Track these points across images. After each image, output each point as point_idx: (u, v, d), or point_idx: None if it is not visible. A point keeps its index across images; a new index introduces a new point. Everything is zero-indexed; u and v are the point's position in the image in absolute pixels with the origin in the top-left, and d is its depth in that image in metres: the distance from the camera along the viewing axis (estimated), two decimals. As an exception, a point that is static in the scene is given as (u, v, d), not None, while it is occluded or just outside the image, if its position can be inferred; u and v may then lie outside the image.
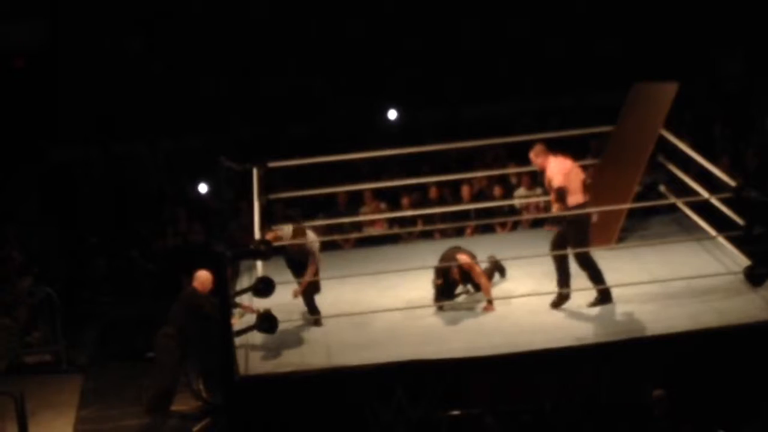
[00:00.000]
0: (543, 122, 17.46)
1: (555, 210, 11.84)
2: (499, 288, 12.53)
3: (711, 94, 18.66)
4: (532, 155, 12.01)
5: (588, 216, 11.82)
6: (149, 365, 12.26)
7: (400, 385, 10.53)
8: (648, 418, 10.18)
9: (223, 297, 11.09)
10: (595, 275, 11.85)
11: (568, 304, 11.82)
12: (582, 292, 11.88)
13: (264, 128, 18.33)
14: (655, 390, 10.23)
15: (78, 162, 18.14)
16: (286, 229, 12.06)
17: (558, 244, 11.95)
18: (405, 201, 15.47)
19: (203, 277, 12.17)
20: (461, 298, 12.44)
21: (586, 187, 11.91)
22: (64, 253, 16.23)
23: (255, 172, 13.44)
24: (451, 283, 12.32)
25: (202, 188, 16.68)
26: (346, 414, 10.57)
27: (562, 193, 11.72)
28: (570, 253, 11.81)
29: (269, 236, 11.80)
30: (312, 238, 12.07)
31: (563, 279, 11.92)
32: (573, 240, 11.82)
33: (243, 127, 18.35)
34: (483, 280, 12.26)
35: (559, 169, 11.78)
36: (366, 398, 10.63)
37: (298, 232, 12.04)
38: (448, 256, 12.37)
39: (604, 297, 11.85)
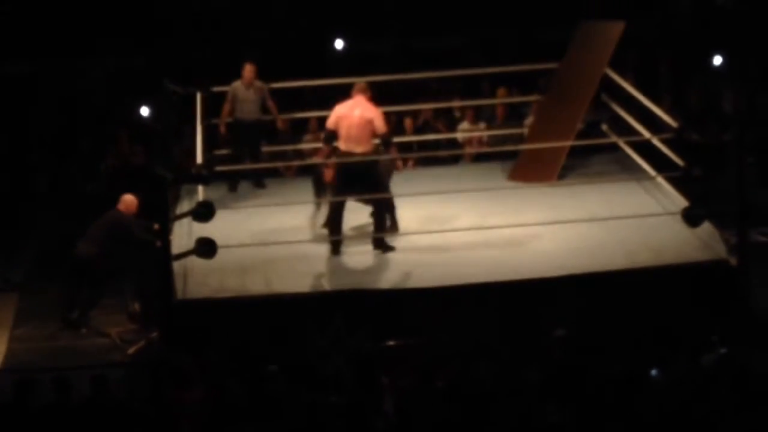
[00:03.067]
0: (492, 56, 17.34)
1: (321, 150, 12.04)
2: (440, 221, 12.54)
3: (659, 33, 18.63)
4: None
5: (335, 174, 11.80)
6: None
7: (339, 313, 10.57)
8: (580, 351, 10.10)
9: (163, 220, 11.05)
10: (331, 222, 11.93)
11: (509, 241, 11.88)
12: (524, 227, 11.98)
13: (212, 51, 18.11)
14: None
15: (24, 77, 17.85)
16: None
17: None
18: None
19: (129, 200, 12.17)
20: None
21: (353, 139, 11.70)
22: (5, 167, 16.04)
23: (198, 95, 13.35)
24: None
25: (144, 111, 16.52)
26: (283, 341, 10.59)
27: (325, 135, 11.86)
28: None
29: None
30: None
31: (381, 221, 11.98)
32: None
33: (190, 49, 18.12)
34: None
35: (334, 111, 11.80)
36: (304, 326, 10.66)
37: None
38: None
39: (333, 247, 11.89)
